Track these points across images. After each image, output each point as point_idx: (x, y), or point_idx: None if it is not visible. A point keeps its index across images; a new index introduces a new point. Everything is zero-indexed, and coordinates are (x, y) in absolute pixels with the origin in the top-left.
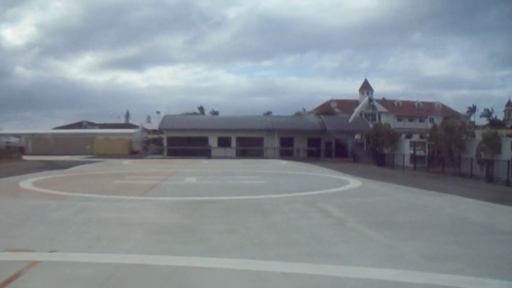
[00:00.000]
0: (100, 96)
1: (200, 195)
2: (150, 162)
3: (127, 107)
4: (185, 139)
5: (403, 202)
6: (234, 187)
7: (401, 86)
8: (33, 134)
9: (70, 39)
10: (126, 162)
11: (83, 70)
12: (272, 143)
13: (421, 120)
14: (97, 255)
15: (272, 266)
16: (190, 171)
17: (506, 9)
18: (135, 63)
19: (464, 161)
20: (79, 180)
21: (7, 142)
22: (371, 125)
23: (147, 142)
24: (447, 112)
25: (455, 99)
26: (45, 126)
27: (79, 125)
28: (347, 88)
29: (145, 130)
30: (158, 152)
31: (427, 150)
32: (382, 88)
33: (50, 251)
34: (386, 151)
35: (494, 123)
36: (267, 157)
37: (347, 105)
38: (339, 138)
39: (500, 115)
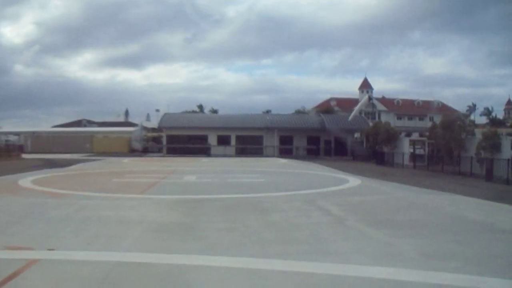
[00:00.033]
0: (100, 94)
1: (199, 193)
2: (150, 160)
3: (127, 105)
4: (184, 137)
5: (402, 201)
6: (233, 185)
7: (400, 85)
8: (33, 132)
9: (69, 37)
10: (126, 160)
11: (82, 68)
12: (271, 141)
13: (421, 119)
14: (96, 253)
15: (271, 264)
16: (189, 169)
17: (505, 7)
18: (134, 61)
19: (463, 159)
20: (78, 178)
21: (6, 140)
22: (370, 124)
23: (147, 140)
24: (446, 111)
25: (455, 98)
26: (45, 124)
27: (78, 123)
28: (347, 86)
29: (145, 128)
30: (158, 150)
31: (426, 149)
32: (382, 86)
33: (49, 249)
34: (385, 149)
35: (494, 122)
36: (266, 156)
37: (346, 104)
38: (338, 136)
39: (500, 114)
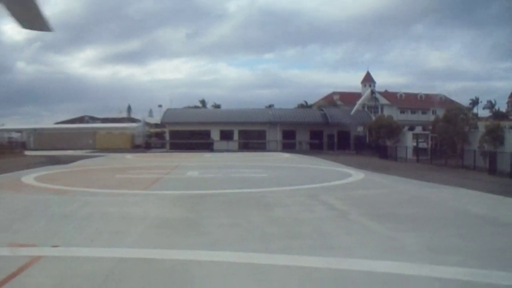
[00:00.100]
0: (102, 91)
1: (202, 188)
2: (153, 156)
3: (129, 101)
4: (187, 133)
5: (405, 195)
6: (236, 180)
7: (403, 78)
8: (35, 129)
9: (71, 33)
10: (129, 156)
11: (84, 64)
12: (274, 136)
13: (424, 112)
14: (99, 249)
15: (275, 259)
16: (192, 165)
17: (509, 0)
18: (136, 57)
19: (467, 153)
20: (81, 174)
21: (9, 138)
22: (373, 118)
23: (149, 136)
24: (449, 104)
25: (458, 91)
26: (47, 121)
27: (80, 119)
28: (349, 80)
29: (147, 124)
30: (160, 146)
31: (430, 142)
32: (385, 80)
33: (53, 246)
34: (388, 143)
35: (497, 115)
36: (269, 150)
37: (349, 98)
38: (341, 130)
39: (503, 107)
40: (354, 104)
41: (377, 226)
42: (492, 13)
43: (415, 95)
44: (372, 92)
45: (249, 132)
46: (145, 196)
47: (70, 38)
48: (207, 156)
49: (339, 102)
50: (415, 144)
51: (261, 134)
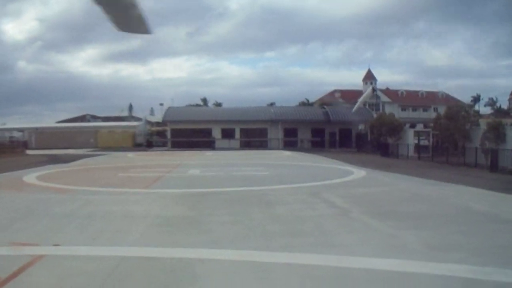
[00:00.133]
0: (103, 89)
1: (204, 186)
2: (154, 154)
3: (130, 100)
4: (188, 131)
5: (407, 192)
6: (238, 179)
7: (405, 76)
8: (36, 128)
9: (72, 32)
10: (130, 154)
11: (85, 63)
12: (276, 134)
13: (425, 110)
14: (101, 248)
15: (276, 257)
16: (194, 163)
17: None
18: (137, 56)
19: (468, 150)
20: (83, 173)
21: (10, 137)
22: (375, 115)
23: (151, 134)
24: (451, 102)
25: (459, 89)
26: (48, 120)
27: (82, 118)
28: (351, 78)
29: (149, 122)
30: (162, 144)
31: (431, 140)
32: (386, 78)
33: (54, 245)
34: (390, 141)
35: (499, 112)
36: (271, 148)
37: (351, 95)
38: (343, 128)
39: (504, 104)
40: (356, 101)
41: (379, 224)
42: (493, 10)
43: (416, 92)
44: (374, 90)
45: (251, 130)
46: (147, 195)
47: (71, 37)
48: (208, 154)
49: (340, 100)
50: (416, 141)
51: (263, 132)
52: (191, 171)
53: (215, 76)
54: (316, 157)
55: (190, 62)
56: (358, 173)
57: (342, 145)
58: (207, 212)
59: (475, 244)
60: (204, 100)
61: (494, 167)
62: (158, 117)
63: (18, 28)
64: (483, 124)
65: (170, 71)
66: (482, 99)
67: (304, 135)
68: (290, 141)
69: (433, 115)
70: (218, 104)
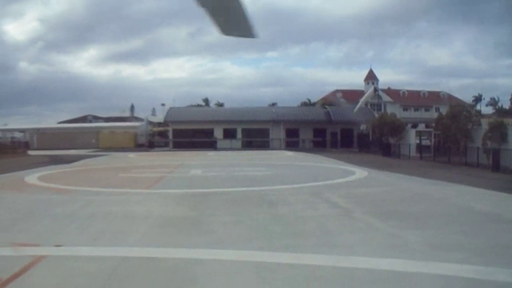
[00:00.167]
0: (104, 90)
1: (205, 187)
2: (156, 154)
3: (132, 100)
4: (190, 131)
5: (409, 192)
6: (240, 179)
7: (406, 76)
8: (38, 129)
9: (73, 33)
10: (132, 155)
11: (86, 63)
12: (277, 134)
13: (427, 110)
14: (102, 248)
15: (279, 257)
16: (195, 163)
17: None
18: (139, 56)
19: (470, 150)
20: (84, 174)
21: (12, 137)
22: (376, 115)
23: (153, 135)
24: (453, 102)
25: (461, 88)
26: (50, 120)
27: (83, 119)
28: (352, 78)
29: (150, 123)
30: (164, 145)
31: (433, 140)
32: (388, 78)
33: (56, 245)
34: (392, 141)
35: (500, 112)
36: (273, 148)
37: (352, 95)
38: (345, 128)
39: (506, 104)
40: (358, 101)
41: (381, 223)
42: (495, 10)
43: (418, 92)
44: (375, 90)
45: (252, 131)
46: (148, 195)
47: (72, 38)
48: (210, 154)
49: (342, 100)
50: (418, 141)
51: (264, 133)
52: (193, 171)
53: (217, 76)
54: (317, 157)
55: (192, 62)
56: (360, 173)
57: (344, 145)
58: (209, 212)
59: (477, 244)
60: (206, 100)
61: (496, 167)
62: (159, 117)
63: (20, 28)
64: (484, 124)
65: (172, 72)
66: (484, 99)
67: (306, 135)
68: (292, 141)
69: (435, 115)
70: (220, 104)
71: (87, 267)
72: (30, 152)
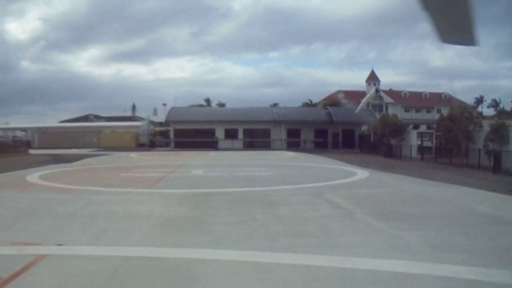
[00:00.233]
0: (106, 89)
1: (207, 187)
2: (157, 154)
3: (133, 99)
4: (192, 131)
5: (410, 193)
6: (241, 179)
7: (408, 77)
8: (39, 128)
9: (75, 32)
10: (133, 154)
11: (88, 63)
12: (279, 134)
13: (428, 111)
14: (104, 248)
15: (279, 258)
16: (197, 163)
17: None
18: (140, 56)
19: (471, 152)
20: (85, 173)
21: (13, 136)
22: (378, 116)
23: (154, 134)
24: (454, 103)
25: (462, 90)
26: (51, 119)
27: (85, 118)
28: (354, 79)
29: (152, 122)
30: (165, 145)
31: (434, 141)
32: (389, 78)
33: (57, 245)
34: (393, 142)
35: (502, 114)
36: (274, 149)
37: (354, 96)
38: (346, 129)
39: (507, 106)
40: (359, 102)
41: (382, 224)
42: (496, 11)
43: (420, 93)
44: (377, 91)
45: (254, 131)
46: (150, 195)
47: (74, 37)
48: (211, 154)
49: (344, 101)
50: (419, 142)
51: (266, 133)
52: (194, 171)
53: (219, 76)
54: (319, 158)
55: (194, 63)
56: (361, 174)
57: (345, 146)
58: (210, 212)
59: (478, 246)
60: (208, 101)
61: (497, 168)
62: (161, 117)
63: (21, 27)
64: (486, 125)
65: (173, 71)
66: (485, 100)
67: (307, 135)
68: (293, 142)
69: (436, 116)
70: (222, 105)
71: (88, 266)
72: (32, 151)
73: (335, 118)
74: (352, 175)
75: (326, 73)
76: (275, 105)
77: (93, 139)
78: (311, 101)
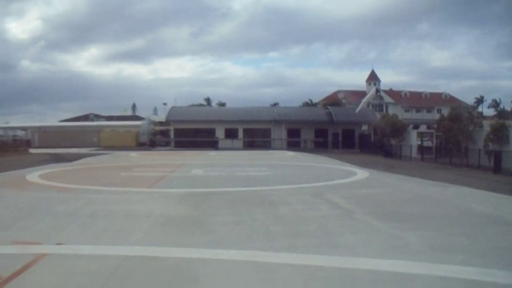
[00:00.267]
0: (106, 89)
1: (207, 186)
2: (157, 154)
3: (134, 99)
4: (192, 131)
5: (409, 193)
6: (241, 179)
7: (408, 77)
8: (39, 127)
9: (75, 32)
10: (133, 154)
11: (88, 62)
12: (279, 134)
13: (429, 111)
14: (104, 247)
15: (279, 258)
16: (197, 163)
17: None
18: (141, 56)
19: (471, 152)
20: (86, 172)
21: (13, 136)
22: (378, 116)
23: (154, 134)
24: (454, 103)
25: (463, 90)
26: (51, 119)
27: (85, 117)
28: (354, 79)
29: (152, 122)
30: (165, 144)
31: (434, 141)
32: (389, 78)
33: (57, 244)
34: (393, 142)
35: (502, 114)
36: (274, 148)
37: (354, 96)
38: (346, 129)
39: (508, 106)
40: (359, 102)
41: (382, 224)
42: (496, 12)
43: (420, 93)
44: (377, 91)
45: (254, 131)
46: (150, 194)
47: (75, 37)
48: (212, 154)
49: (344, 101)
50: (419, 142)
51: (266, 133)
52: (194, 171)
53: (219, 76)
54: (319, 158)
55: (194, 62)
56: (361, 174)
57: (345, 146)
58: (210, 212)
59: (478, 246)
60: (208, 100)
61: (497, 168)
62: (161, 116)
63: (22, 27)
64: (486, 125)
65: (173, 71)
66: (486, 100)
67: (307, 135)
68: (293, 142)
69: (436, 116)
70: (222, 104)
71: (88, 265)
72: (32, 150)
73: (335, 118)
74: (352, 175)
75: (326, 73)
76: (275, 104)
77: (93, 139)
78: (311, 100)
